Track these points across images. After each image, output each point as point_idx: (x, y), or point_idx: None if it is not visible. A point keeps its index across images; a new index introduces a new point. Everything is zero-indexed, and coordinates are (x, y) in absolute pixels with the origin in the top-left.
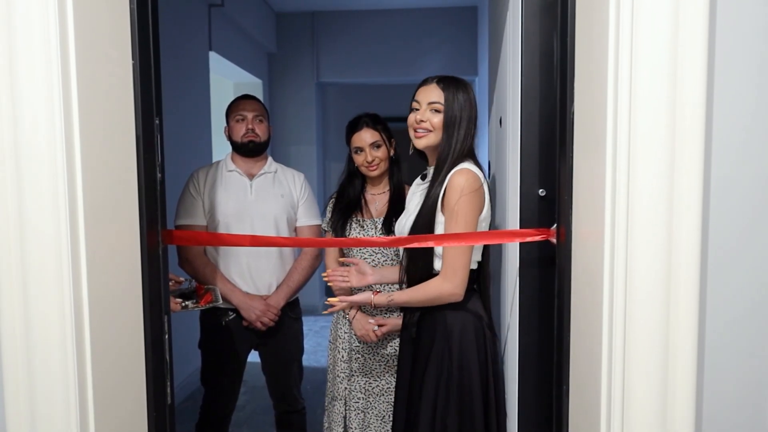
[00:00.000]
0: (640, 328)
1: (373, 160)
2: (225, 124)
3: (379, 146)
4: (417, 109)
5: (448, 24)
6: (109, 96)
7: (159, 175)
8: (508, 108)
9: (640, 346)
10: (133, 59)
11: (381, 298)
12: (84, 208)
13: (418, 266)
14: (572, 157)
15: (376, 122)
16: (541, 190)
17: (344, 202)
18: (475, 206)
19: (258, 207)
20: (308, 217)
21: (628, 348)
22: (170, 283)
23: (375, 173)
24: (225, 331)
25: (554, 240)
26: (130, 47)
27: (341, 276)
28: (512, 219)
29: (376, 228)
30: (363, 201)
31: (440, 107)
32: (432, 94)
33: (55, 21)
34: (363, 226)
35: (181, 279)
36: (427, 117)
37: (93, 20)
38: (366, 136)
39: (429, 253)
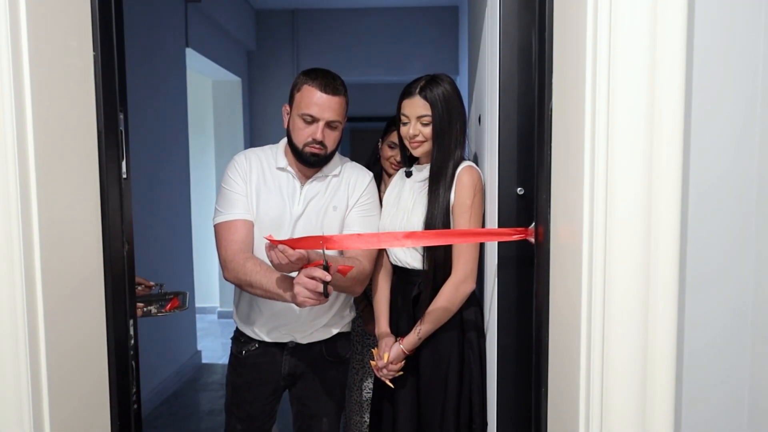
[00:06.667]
0: (619, 329)
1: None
2: (287, 103)
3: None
4: (406, 123)
5: (430, 23)
6: (67, 89)
7: (124, 172)
8: (487, 105)
9: (618, 347)
10: (94, 50)
11: (410, 340)
12: (39, 207)
13: (445, 270)
14: (550, 154)
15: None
16: (519, 189)
17: None
18: (482, 205)
19: (302, 221)
20: (359, 228)
21: (607, 349)
22: (140, 288)
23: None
24: (248, 363)
25: (532, 239)
26: (91, 37)
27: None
28: (490, 218)
29: None
30: None
31: (428, 119)
32: (418, 108)
33: (5, 8)
34: None
35: (152, 284)
36: (419, 130)
37: (49, 8)
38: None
39: (449, 253)
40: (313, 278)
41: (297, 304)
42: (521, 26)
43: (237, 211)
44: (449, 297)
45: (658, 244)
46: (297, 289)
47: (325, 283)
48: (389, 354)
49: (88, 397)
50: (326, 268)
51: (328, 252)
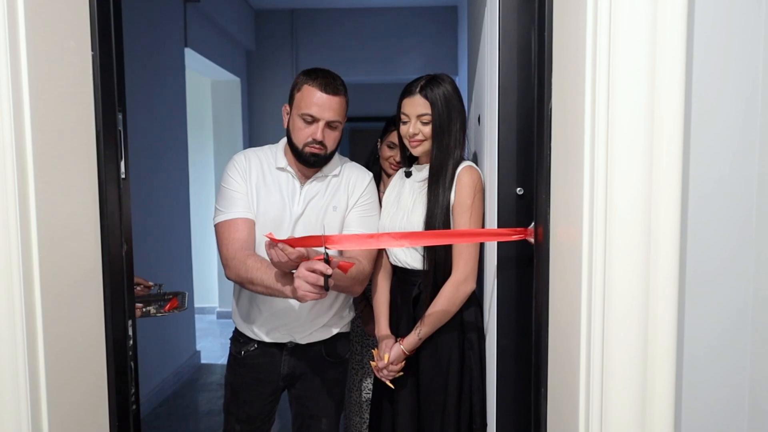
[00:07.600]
0: (618, 329)
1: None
2: (287, 102)
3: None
4: (406, 122)
5: (429, 23)
6: (65, 89)
7: (123, 172)
8: (486, 105)
9: (618, 347)
10: (92, 50)
11: (411, 340)
12: (37, 208)
13: (445, 270)
14: (550, 154)
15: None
16: (518, 189)
17: None
18: (482, 205)
19: (302, 221)
20: (358, 228)
21: (607, 349)
22: (139, 288)
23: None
24: (247, 363)
25: (532, 239)
26: (90, 37)
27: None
28: (490, 218)
29: None
30: None
31: (428, 118)
32: (418, 107)
33: (3, 7)
34: None
35: (150, 284)
36: (419, 129)
37: (47, 8)
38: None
39: (449, 253)
40: (314, 271)
41: (297, 299)
42: (521, 26)
43: (237, 209)
44: (449, 297)
45: (658, 244)
46: (297, 282)
47: (326, 277)
48: (389, 355)
49: (86, 398)
50: (327, 262)
51: (328, 252)
